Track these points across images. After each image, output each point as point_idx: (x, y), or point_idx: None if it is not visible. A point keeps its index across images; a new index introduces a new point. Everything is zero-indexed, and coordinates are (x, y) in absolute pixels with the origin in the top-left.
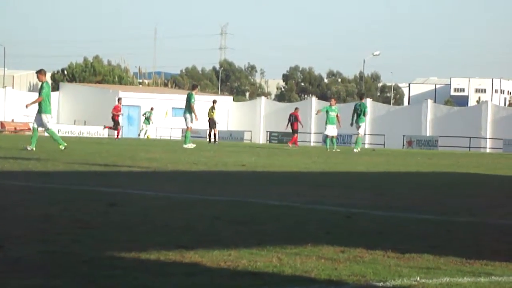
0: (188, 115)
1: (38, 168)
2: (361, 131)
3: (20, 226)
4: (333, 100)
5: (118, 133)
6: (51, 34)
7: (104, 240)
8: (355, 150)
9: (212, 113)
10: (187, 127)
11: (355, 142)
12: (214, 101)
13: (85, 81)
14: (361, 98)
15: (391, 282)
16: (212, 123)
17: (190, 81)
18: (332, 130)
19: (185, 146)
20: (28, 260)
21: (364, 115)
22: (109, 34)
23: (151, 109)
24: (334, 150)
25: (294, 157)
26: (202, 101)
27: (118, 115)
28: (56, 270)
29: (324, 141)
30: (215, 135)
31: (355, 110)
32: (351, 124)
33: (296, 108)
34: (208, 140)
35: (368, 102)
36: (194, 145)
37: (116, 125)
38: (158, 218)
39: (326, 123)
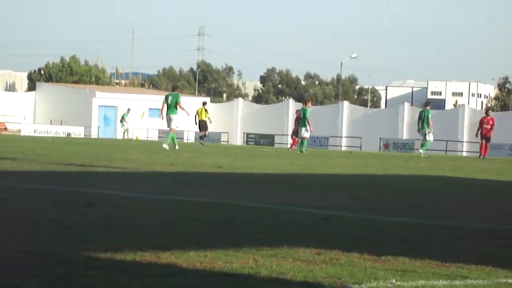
0: (174, 116)
1: (15, 168)
2: (429, 137)
3: None
4: (310, 102)
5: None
6: (28, 33)
7: (80, 241)
8: (421, 152)
9: (202, 115)
10: (171, 128)
11: (421, 145)
12: (204, 103)
13: (61, 81)
14: (426, 105)
15: (367, 284)
16: (204, 125)
17: (167, 81)
18: (308, 132)
19: (164, 146)
20: (4, 260)
21: (426, 122)
22: (86, 34)
23: (128, 110)
24: (299, 151)
25: (271, 159)
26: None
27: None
28: (33, 270)
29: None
30: (204, 136)
31: (419, 117)
32: (418, 130)
33: (298, 111)
34: (200, 142)
35: (345, 104)
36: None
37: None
38: (134, 219)
39: (302, 125)
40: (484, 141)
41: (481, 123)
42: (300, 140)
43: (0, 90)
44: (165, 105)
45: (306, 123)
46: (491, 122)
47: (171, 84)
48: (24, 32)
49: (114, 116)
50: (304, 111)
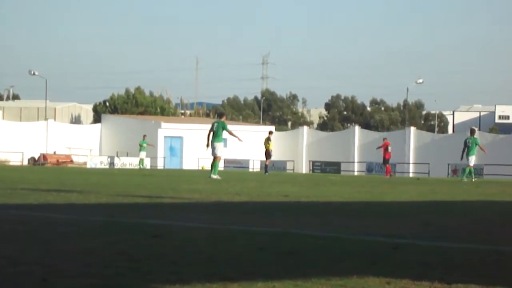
0: (218, 144)
1: (81, 200)
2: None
3: (63, 259)
4: (476, 131)
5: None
6: (92, 65)
7: (148, 273)
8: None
9: (268, 144)
10: (216, 156)
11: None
12: (270, 132)
13: (127, 112)
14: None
15: None
16: (268, 154)
17: (232, 111)
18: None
19: (213, 176)
20: None
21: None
22: (151, 65)
23: (144, 136)
24: (473, 180)
25: (338, 187)
26: (245, 131)
27: None
28: None
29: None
30: (266, 166)
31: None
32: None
33: (385, 138)
34: (264, 171)
35: (412, 130)
36: (221, 178)
37: None
38: (201, 250)
39: (470, 155)
40: None
41: None
42: (468, 169)
43: (66, 122)
44: (211, 133)
45: (476, 151)
46: None
47: (236, 113)
48: (88, 64)
49: (180, 147)
50: (474, 140)
